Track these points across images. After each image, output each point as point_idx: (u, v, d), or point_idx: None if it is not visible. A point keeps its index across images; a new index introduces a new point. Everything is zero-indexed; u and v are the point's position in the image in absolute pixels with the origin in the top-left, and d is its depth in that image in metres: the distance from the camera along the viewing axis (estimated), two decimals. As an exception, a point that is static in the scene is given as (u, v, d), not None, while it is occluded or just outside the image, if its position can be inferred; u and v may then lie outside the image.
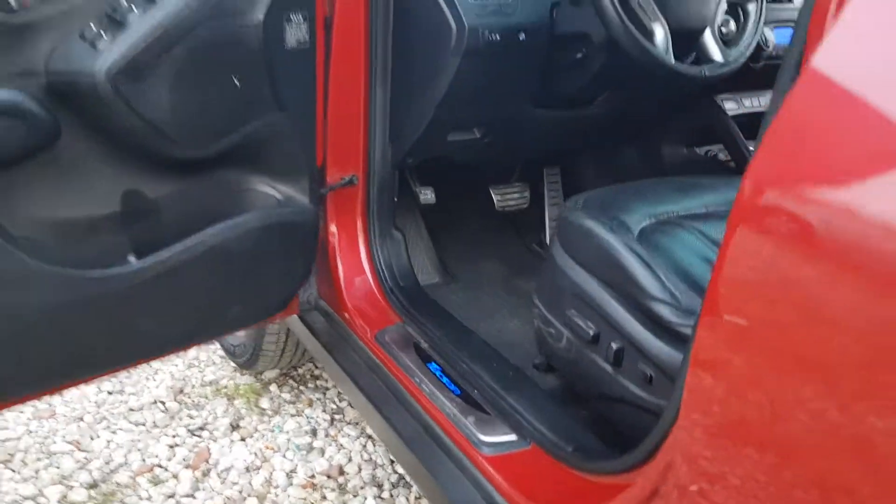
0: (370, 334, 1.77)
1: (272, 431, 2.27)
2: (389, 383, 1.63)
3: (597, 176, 2.32)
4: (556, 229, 1.52)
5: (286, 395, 2.44)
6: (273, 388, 2.47)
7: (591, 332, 1.39)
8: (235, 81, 1.42)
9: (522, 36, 1.67)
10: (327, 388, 2.48)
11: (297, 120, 1.57)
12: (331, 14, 1.61)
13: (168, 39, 1.29)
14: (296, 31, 1.50)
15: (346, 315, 1.83)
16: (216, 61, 1.38)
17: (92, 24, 1.25)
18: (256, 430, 2.28)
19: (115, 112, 1.27)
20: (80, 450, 2.15)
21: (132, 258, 1.44)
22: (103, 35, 1.24)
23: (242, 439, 2.24)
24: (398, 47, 1.72)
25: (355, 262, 1.87)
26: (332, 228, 1.87)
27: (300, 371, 2.56)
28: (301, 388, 2.48)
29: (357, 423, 2.30)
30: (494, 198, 2.27)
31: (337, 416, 2.35)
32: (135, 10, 1.26)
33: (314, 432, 2.28)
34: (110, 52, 1.23)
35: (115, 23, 1.25)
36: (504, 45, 1.67)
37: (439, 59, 1.67)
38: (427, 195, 2.06)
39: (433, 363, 1.64)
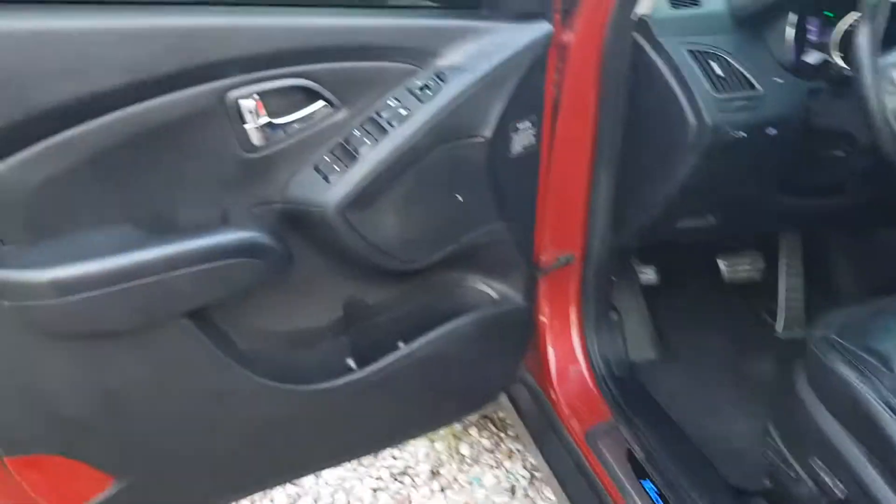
0: (580, 430, 1.69)
1: (471, 484, 2.28)
2: (600, 495, 1.55)
3: (846, 254, 2.05)
4: (804, 364, 1.34)
5: (486, 442, 2.43)
6: (473, 431, 2.47)
7: (841, 496, 1.23)
8: (458, 198, 1.37)
9: (772, 131, 1.48)
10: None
11: (518, 222, 1.50)
12: (557, 102, 1.51)
13: (397, 168, 1.26)
14: (522, 138, 1.42)
15: (555, 403, 1.76)
16: (440, 182, 1.34)
17: (326, 157, 1.24)
18: (456, 479, 2.29)
19: (342, 237, 1.27)
20: (292, 484, 2.27)
21: (350, 361, 1.45)
22: (336, 167, 1.23)
23: (442, 489, 2.26)
24: (628, 134, 1.59)
25: (567, 350, 1.79)
26: (545, 311, 1.79)
27: (500, 414, 2.54)
28: (501, 434, 2.46)
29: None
30: (722, 268, 2.08)
31: (537, 474, 2.31)
32: (367, 142, 1.23)
33: (513, 490, 2.26)
34: (342, 185, 1.22)
35: (348, 154, 1.24)
36: (750, 140, 1.49)
37: (674, 153, 1.53)
38: (648, 275, 1.93)
39: (648, 481, 1.53)
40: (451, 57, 1.30)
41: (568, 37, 1.49)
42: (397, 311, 1.50)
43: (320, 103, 1.24)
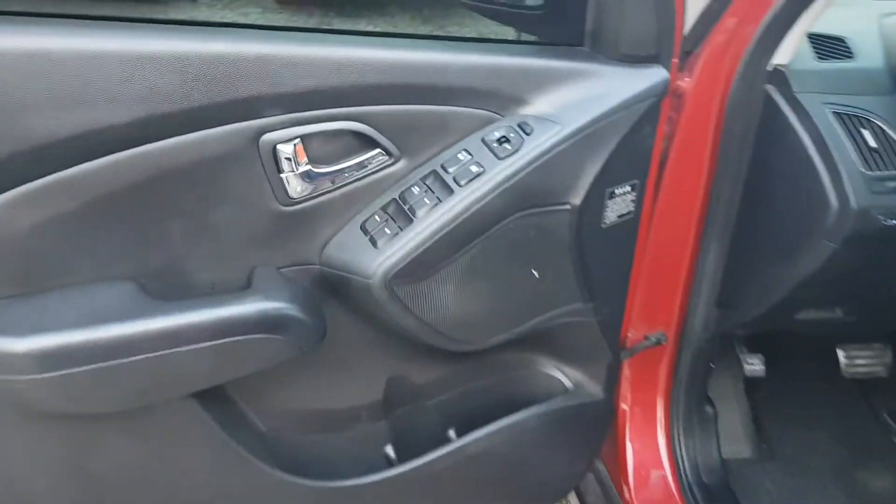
0: (658, 548, 1.41)
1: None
2: None
3: None
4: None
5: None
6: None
7: None
8: (534, 274, 1.12)
9: None
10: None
11: (605, 302, 1.24)
12: (665, 159, 1.24)
13: (462, 236, 1.03)
14: (619, 205, 1.16)
15: (631, 509, 1.49)
16: (513, 254, 1.10)
17: (376, 216, 1.02)
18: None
19: (388, 312, 1.04)
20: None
21: (390, 450, 1.22)
22: (387, 229, 1.01)
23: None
24: (748, 203, 1.31)
25: (650, 447, 1.51)
26: (626, 398, 1.52)
27: None
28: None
29: None
30: (841, 360, 1.76)
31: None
32: (427, 202, 1.00)
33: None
34: (392, 253, 1.00)
35: (403, 214, 1.01)
36: (906, 229, 1.19)
37: (807, 236, 1.24)
38: (754, 365, 1.63)
39: None
40: (539, 105, 1.06)
41: (685, 83, 1.23)
42: (449, 395, 1.27)
43: (374, 151, 1.01)
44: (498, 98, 1.04)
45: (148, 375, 0.93)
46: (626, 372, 1.52)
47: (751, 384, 1.70)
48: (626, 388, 1.52)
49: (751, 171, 1.32)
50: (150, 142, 0.90)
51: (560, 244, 1.12)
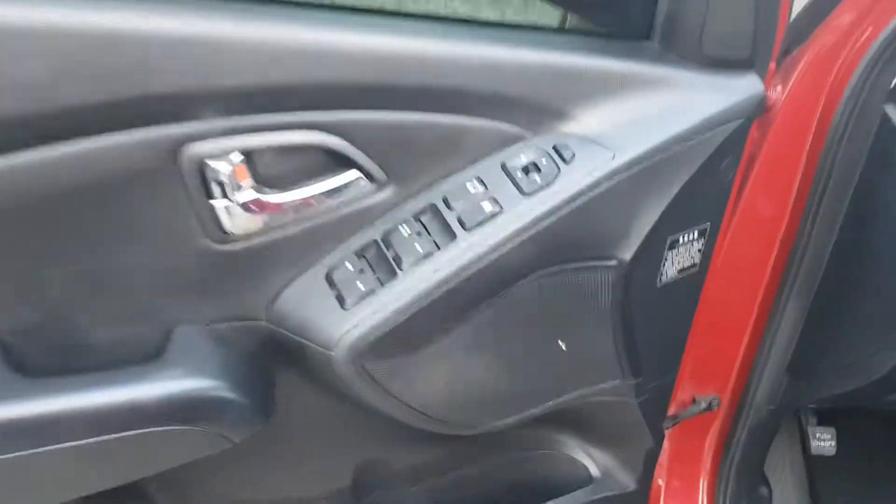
0: None
1: None
2: None
3: None
4: None
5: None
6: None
7: None
8: (561, 345, 0.83)
9: None
10: None
11: (651, 378, 0.95)
12: (740, 192, 0.94)
13: (465, 299, 0.74)
14: (682, 257, 0.86)
15: None
16: (534, 322, 0.81)
17: (348, 263, 0.73)
18: None
19: (354, 392, 0.76)
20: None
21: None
22: (360, 283, 0.71)
23: None
24: (842, 254, 1.01)
25: (688, 539, 1.22)
26: (661, 472, 1.23)
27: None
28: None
29: None
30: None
31: None
32: (419, 249, 0.71)
33: None
34: (365, 317, 0.71)
35: (385, 263, 0.72)
36: None
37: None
38: (825, 442, 1.32)
39: None
40: (585, 121, 0.76)
41: (776, 93, 0.93)
42: (441, 480, 0.98)
43: (350, 173, 0.72)
44: (527, 109, 0.74)
45: (8, 483, 0.65)
46: (667, 437, 1.23)
47: (817, 463, 1.40)
48: (662, 459, 1.23)
49: (852, 211, 1.01)
50: (24, 149, 0.61)
51: (599, 310, 0.83)
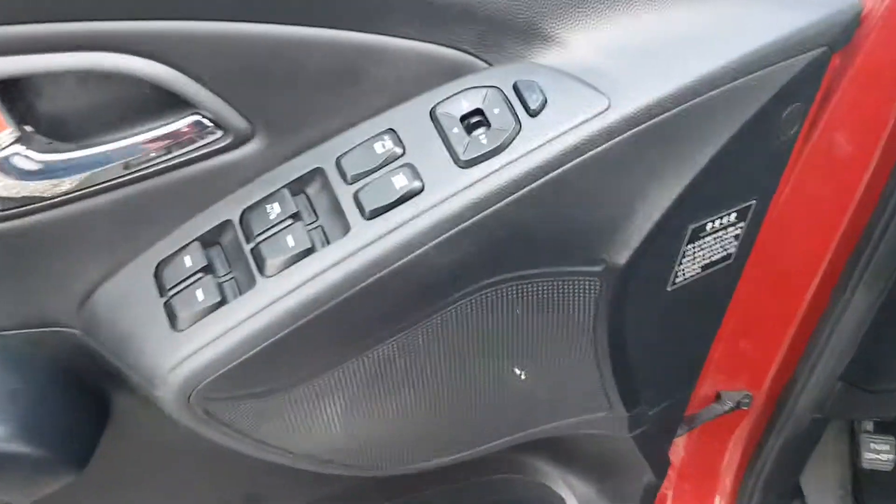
0: None
1: None
2: None
3: None
4: None
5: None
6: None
7: None
8: (517, 374, 0.57)
9: None
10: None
11: (653, 401, 0.69)
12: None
13: (366, 314, 0.48)
14: (709, 248, 0.59)
15: None
16: (476, 345, 0.54)
17: (187, 256, 0.47)
18: None
19: (201, 432, 0.51)
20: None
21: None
22: (200, 293, 0.46)
23: None
24: None
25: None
26: (669, 477, 1.00)
27: None
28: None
29: None
30: None
31: None
32: (291, 243, 0.45)
33: None
34: (204, 348, 0.46)
35: (241, 262, 0.46)
36: None
37: None
38: (881, 454, 1.06)
39: None
40: (569, 43, 0.48)
41: (874, 9, 0.62)
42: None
43: (188, 117, 0.45)
44: (477, 21, 0.46)
45: None
46: (677, 441, 0.98)
47: (868, 479, 1.14)
48: (673, 467, 1.00)
49: None
50: None
51: (576, 329, 0.56)
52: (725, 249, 0.62)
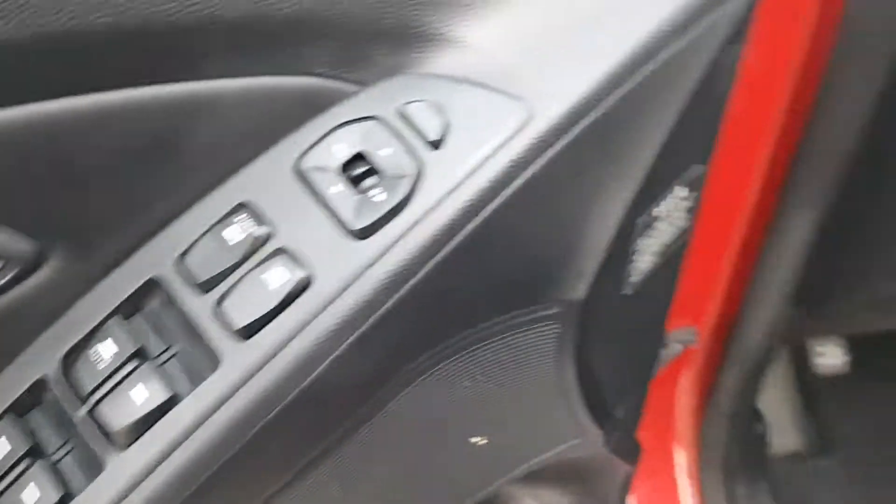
0: None
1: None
2: None
3: None
4: None
5: None
6: None
7: None
8: (475, 442, 0.45)
9: None
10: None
11: (621, 403, 0.60)
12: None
13: (269, 454, 0.34)
14: (661, 232, 0.48)
15: None
16: (417, 433, 0.42)
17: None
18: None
19: None
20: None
21: None
22: (29, 494, 0.32)
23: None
24: (873, 152, 0.67)
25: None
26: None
27: None
28: None
29: None
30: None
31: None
32: (142, 396, 0.31)
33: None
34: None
35: (78, 442, 0.33)
36: None
37: None
38: (833, 358, 1.02)
39: None
40: (465, 40, 0.35)
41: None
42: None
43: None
44: (336, 32, 0.32)
45: None
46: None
47: (823, 385, 1.11)
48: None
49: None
50: None
51: (538, 378, 0.45)
52: (678, 227, 0.52)
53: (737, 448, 0.97)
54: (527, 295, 0.40)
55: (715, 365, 0.94)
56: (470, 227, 0.35)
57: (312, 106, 0.35)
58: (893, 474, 1.11)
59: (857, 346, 1.07)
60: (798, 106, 0.68)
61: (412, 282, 0.34)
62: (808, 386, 1.09)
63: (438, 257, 0.35)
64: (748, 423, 0.98)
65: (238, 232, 0.34)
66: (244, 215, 0.34)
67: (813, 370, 1.06)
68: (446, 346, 0.39)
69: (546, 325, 0.41)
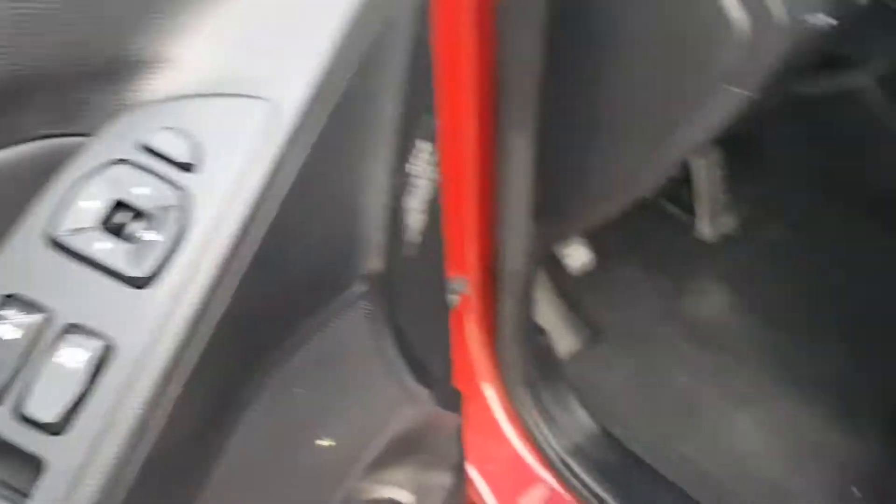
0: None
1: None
2: None
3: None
4: None
5: None
6: None
7: None
8: (325, 445, 0.45)
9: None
10: None
11: (431, 355, 0.63)
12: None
13: None
14: (420, 189, 0.51)
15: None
16: (269, 452, 0.41)
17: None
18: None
19: None
20: None
21: None
22: None
23: None
24: (560, 67, 0.75)
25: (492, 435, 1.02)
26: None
27: None
28: None
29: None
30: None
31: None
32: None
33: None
34: None
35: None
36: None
37: (694, 79, 0.70)
38: (579, 257, 1.13)
39: None
40: (181, 58, 0.33)
41: None
42: None
43: None
44: (51, 86, 0.29)
45: None
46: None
47: (578, 283, 1.22)
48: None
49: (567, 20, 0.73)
50: None
51: (362, 362, 0.45)
52: (432, 179, 0.54)
53: (531, 363, 1.05)
54: (335, 280, 0.39)
55: (490, 301, 1.00)
56: (258, 234, 0.34)
57: (51, 172, 0.31)
58: (654, 348, 1.27)
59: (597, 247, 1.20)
60: (485, 32, 0.74)
61: (218, 311, 0.33)
62: (567, 289, 1.20)
63: (236, 277, 0.33)
64: (533, 339, 1.06)
65: (11, 329, 0.30)
66: (13, 310, 0.30)
67: (566, 272, 1.16)
68: (270, 362, 0.38)
69: (357, 309, 0.42)
